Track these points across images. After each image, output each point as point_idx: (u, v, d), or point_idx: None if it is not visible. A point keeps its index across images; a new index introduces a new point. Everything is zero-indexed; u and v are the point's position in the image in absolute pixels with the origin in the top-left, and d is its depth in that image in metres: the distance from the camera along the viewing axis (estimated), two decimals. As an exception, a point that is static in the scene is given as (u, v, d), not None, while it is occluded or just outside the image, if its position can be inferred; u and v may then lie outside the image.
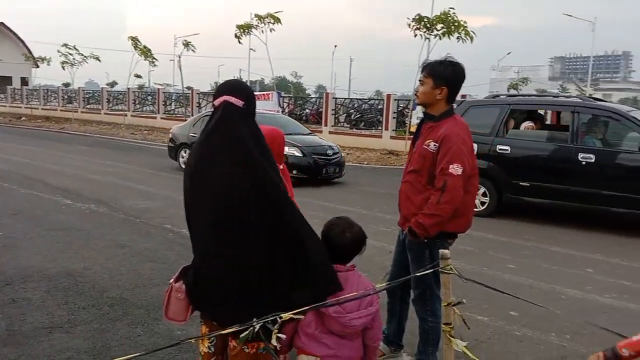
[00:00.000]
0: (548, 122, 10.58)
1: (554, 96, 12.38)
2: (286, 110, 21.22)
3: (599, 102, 8.44)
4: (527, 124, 8.74)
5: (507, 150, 7.92)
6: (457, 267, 5.56)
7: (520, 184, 7.82)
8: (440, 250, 2.32)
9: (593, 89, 77.44)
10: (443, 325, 2.29)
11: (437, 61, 3.05)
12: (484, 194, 8.10)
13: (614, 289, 4.92)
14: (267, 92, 20.38)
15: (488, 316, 4.20)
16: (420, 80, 3.05)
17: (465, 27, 14.16)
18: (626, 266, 5.70)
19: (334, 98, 21.08)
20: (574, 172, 7.41)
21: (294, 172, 10.26)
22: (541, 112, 9.80)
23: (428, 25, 14.55)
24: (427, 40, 14.75)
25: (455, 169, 2.85)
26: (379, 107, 19.94)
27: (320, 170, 10.80)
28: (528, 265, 5.63)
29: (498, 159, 7.95)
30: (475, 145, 8.33)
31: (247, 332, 1.74)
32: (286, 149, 10.42)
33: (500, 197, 8.03)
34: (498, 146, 7.97)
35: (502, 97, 8.97)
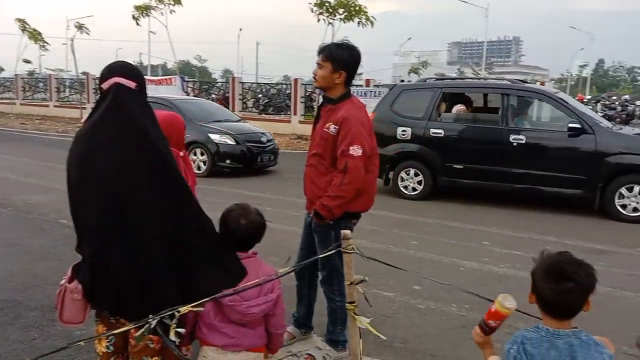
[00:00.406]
0: (477, 105, 10.80)
1: (483, 79, 12.92)
2: (191, 95, 20.58)
3: (527, 84, 8.87)
4: (459, 107, 8.96)
5: (440, 133, 8.06)
6: (364, 246, 5.70)
7: (454, 166, 7.97)
8: (342, 231, 2.34)
9: (488, 72, 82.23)
10: (347, 304, 2.33)
11: (334, 44, 3.07)
12: (418, 179, 8.25)
13: (508, 259, 5.28)
14: (170, 77, 19.67)
15: (394, 292, 4.36)
16: (318, 64, 3.04)
17: (366, 12, 14.45)
18: (517, 237, 6.14)
19: (240, 83, 20.74)
20: (505, 153, 7.65)
21: (228, 161, 9.97)
22: (469, 95, 9.92)
23: (330, 10, 14.68)
24: (330, 25, 14.89)
25: (356, 150, 2.90)
26: (287, 91, 19.91)
27: (255, 158, 10.36)
28: (431, 241, 5.91)
29: (432, 143, 8.10)
30: (409, 129, 8.23)
31: (142, 329, 1.66)
32: (217, 137, 10.28)
33: (435, 180, 8.18)
34: (431, 130, 8.10)
35: (431, 80, 9.24)
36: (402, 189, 8.36)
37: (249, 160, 10.27)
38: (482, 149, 7.90)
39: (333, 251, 2.42)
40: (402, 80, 8.79)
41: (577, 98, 29.92)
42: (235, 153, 10.09)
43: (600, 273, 4.61)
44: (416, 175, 8.28)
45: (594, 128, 7.23)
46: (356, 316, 2.26)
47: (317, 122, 3.16)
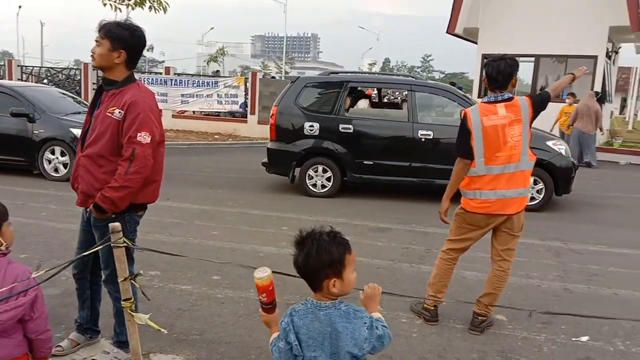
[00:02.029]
0: (375, 100, 10.73)
1: (386, 74, 12.62)
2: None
3: (429, 81, 8.87)
4: (363, 102, 8.77)
5: (349, 129, 7.87)
6: (163, 240, 5.47)
7: (364, 162, 7.87)
8: (110, 225, 2.17)
9: (290, 67, 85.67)
10: (123, 302, 2.17)
11: (114, 22, 2.84)
12: (327, 176, 7.98)
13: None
14: None
15: (191, 284, 4.26)
16: (96, 41, 2.79)
17: (159, -4, 13.79)
18: (313, 220, 6.47)
19: (19, 66, 18.29)
20: (414, 148, 7.73)
21: None
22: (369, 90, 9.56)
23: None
24: (118, 10, 13.89)
25: (144, 137, 2.73)
26: (77, 77, 18.15)
27: None
28: (231, 230, 5.91)
29: (341, 139, 7.88)
30: (317, 125, 7.76)
31: None
32: (77, 132, 8.55)
33: (344, 176, 8.02)
34: (340, 125, 7.87)
35: (336, 74, 8.81)
36: (310, 186, 8.04)
37: None
38: (391, 144, 7.91)
39: (101, 246, 2.23)
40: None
41: (366, 92, 32.90)
42: None
43: (381, 248, 5.10)
44: (324, 172, 8.00)
45: None
46: (134, 313, 2.12)
47: (96, 108, 2.90)
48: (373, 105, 9.83)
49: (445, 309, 3.92)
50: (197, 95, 16.18)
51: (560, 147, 7.83)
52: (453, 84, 22.28)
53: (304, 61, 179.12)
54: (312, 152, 8.01)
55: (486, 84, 3.53)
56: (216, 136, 15.65)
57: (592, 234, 6.38)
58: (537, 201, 7.53)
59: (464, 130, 3.48)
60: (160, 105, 15.81)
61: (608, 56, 15.31)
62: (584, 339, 3.62)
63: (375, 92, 12.34)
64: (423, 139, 7.70)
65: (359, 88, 9.09)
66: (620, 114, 33.46)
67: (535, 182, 7.48)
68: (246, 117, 16.37)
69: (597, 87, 14.11)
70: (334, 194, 7.97)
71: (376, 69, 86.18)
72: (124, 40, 2.77)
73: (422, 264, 4.97)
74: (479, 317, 3.62)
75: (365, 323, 1.70)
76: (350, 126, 7.89)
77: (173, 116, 16.51)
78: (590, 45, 14.07)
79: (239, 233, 5.82)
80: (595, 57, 14.16)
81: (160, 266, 4.58)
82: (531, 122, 3.46)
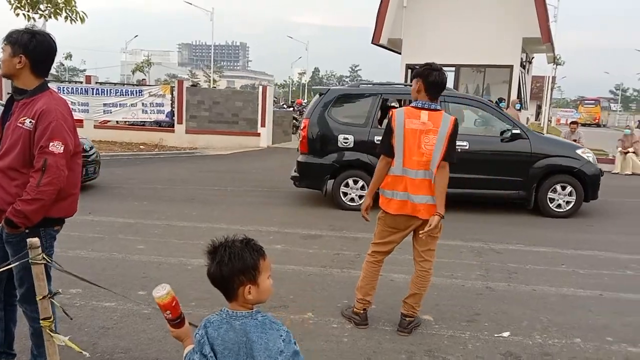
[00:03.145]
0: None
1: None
2: None
3: (461, 93, 8.69)
4: None
5: None
6: (84, 256, 5.22)
7: None
8: (28, 240, 2.06)
9: (218, 76, 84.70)
10: (42, 321, 2.06)
11: (18, 29, 2.73)
12: (360, 186, 7.85)
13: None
14: None
15: (115, 301, 4.08)
16: (1, 49, 2.66)
17: (75, 7, 13.27)
18: (244, 230, 6.39)
19: None
20: None
21: None
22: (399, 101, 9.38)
23: (31, 4, 13.06)
24: (32, 20, 13.23)
25: (57, 147, 2.60)
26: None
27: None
28: (158, 243, 5.73)
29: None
30: (351, 137, 7.59)
31: None
32: None
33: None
34: (376, 137, 7.55)
35: (365, 86, 8.71)
36: (344, 200, 7.89)
37: None
38: None
39: (17, 263, 2.10)
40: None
41: (296, 102, 33.05)
42: None
43: (312, 255, 5.12)
44: (355, 183, 7.89)
45: (526, 133, 7.96)
46: (53, 334, 2.01)
47: (7, 119, 2.75)
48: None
49: (375, 312, 3.99)
50: (120, 104, 15.66)
51: (589, 155, 8.16)
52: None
53: (233, 70, 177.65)
54: (347, 164, 7.91)
55: (425, 91, 3.54)
56: (142, 146, 15.17)
57: (511, 234, 6.72)
58: (568, 207, 7.87)
59: (388, 128, 3.60)
60: (81, 116, 15.29)
61: (522, 66, 16.29)
62: (506, 334, 3.80)
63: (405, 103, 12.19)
64: (459, 150, 7.75)
65: (390, 100, 9.05)
66: (535, 120, 35.64)
67: (563, 188, 7.85)
68: (173, 126, 15.99)
69: (514, 95, 14.95)
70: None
71: (306, 78, 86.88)
72: (22, 45, 2.65)
73: (352, 268, 5.04)
74: (407, 318, 3.71)
75: (282, 335, 1.66)
76: None
77: (95, 127, 15.86)
78: (506, 56, 14.91)
79: (166, 246, 5.66)
80: (511, 67, 15.02)
81: (81, 283, 4.34)
82: (447, 140, 3.51)
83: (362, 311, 3.79)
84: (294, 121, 21.17)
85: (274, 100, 29.99)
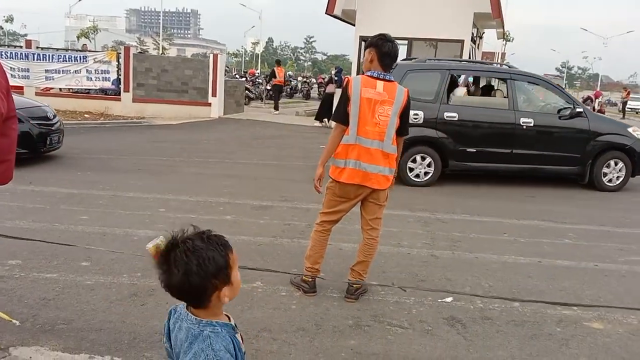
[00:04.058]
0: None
1: (481, 63, 12.05)
2: None
3: (526, 71, 9.03)
4: (460, 90, 8.55)
5: (454, 117, 7.93)
6: (24, 227, 5.03)
7: (467, 150, 7.97)
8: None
9: (168, 44, 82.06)
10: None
11: None
12: (427, 164, 7.98)
13: (182, 224, 5.33)
14: None
15: (57, 272, 3.96)
16: None
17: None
18: (193, 201, 6.31)
19: None
20: (517, 135, 7.99)
21: None
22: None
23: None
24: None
25: (-13, 112, 2.46)
26: None
27: (43, 141, 7.94)
28: (103, 214, 5.57)
29: (446, 126, 7.91)
30: (421, 113, 7.49)
31: None
32: None
33: (446, 164, 8.03)
34: (445, 113, 7.86)
35: (431, 62, 8.68)
36: (411, 177, 7.94)
37: (36, 143, 7.86)
38: (494, 132, 8.09)
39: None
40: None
41: (249, 72, 32.53)
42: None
43: (263, 225, 5.10)
44: (423, 159, 7.97)
45: (585, 111, 8.31)
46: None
47: None
48: (469, 93, 9.73)
49: (324, 281, 4.03)
50: (63, 70, 14.95)
51: (638, 133, 8.55)
52: (339, 69, 22.82)
53: (184, 38, 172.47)
54: (416, 141, 7.84)
55: (378, 61, 3.53)
56: (86, 115, 14.59)
57: (457, 205, 6.91)
58: (618, 182, 8.42)
59: (344, 96, 3.58)
60: (22, 82, 14.55)
61: (473, 41, 16.53)
62: (449, 299, 3.93)
63: (471, 80, 11.99)
64: (525, 126, 8.00)
65: (456, 76, 9.02)
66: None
67: (615, 164, 8.36)
68: (119, 94, 15.44)
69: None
70: (433, 182, 8.03)
71: (260, 48, 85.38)
72: None
73: (302, 238, 5.06)
74: (354, 285, 3.78)
75: (208, 355, 1.35)
76: (455, 114, 7.98)
77: (36, 94, 15.07)
78: (457, 30, 15.07)
79: (111, 217, 5.50)
80: (462, 41, 15.20)
81: (22, 255, 4.21)
82: (400, 114, 3.55)
83: (310, 279, 3.82)
84: (247, 92, 20.87)
85: (226, 70, 29.38)
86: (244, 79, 25.67)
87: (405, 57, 15.91)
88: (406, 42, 15.76)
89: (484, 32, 20.44)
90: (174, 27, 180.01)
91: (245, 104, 19.18)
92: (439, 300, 3.90)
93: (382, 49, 3.52)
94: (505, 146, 8.12)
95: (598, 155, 8.33)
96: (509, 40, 25.85)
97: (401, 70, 7.93)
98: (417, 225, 5.85)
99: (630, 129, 8.69)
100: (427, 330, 3.43)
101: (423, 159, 8.00)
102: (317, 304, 3.70)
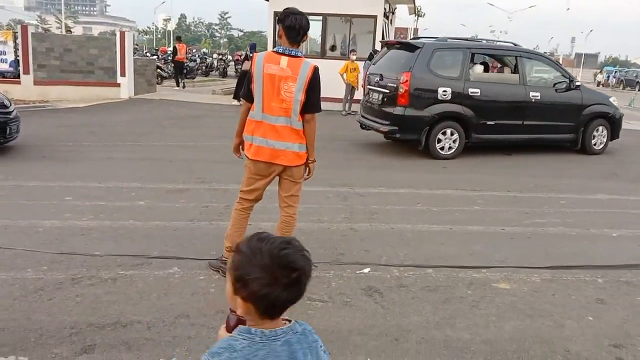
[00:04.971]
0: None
1: (492, 40, 12.37)
2: None
3: (531, 49, 10.00)
4: (479, 67, 9.26)
5: (477, 92, 8.55)
6: None
7: (487, 123, 8.65)
8: None
9: (72, 22, 77.01)
10: None
11: None
12: (454, 138, 8.56)
13: (92, 211, 5.08)
14: None
15: (-49, 271, 3.65)
16: None
17: None
18: (102, 187, 6.00)
19: None
20: (527, 108, 8.91)
21: None
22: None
23: None
24: None
25: None
26: None
27: (3, 131, 7.28)
28: (5, 205, 5.19)
29: (470, 102, 8.53)
30: (449, 89, 8.36)
31: None
32: None
33: (468, 137, 8.63)
34: (470, 89, 8.51)
35: (454, 40, 9.24)
36: (439, 150, 8.55)
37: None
38: (509, 105, 8.89)
39: None
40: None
41: (160, 50, 31.27)
42: None
43: (179, 209, 4.94)
44: (452, 134, 8.54)
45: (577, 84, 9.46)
46: None
47: None
48: (485, 70, 10.11)
49: (243, 261, 4.00)
50: (-49, 52, 13.63)
51: (616, 102, 9.96)
52: (253, 44, 22.42)
53: (90, 15, 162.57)
54: (444, 116, 8.45)
55: (284, 36, 3.47)
56: (-18, 100, 13.43)
57: (374, 178, 7.06)
58: (602, 146, 9.71)
59: (248, 73, 3.53)
60: None
61: (386, 16, 16.76)
62: (366, 270, 4.03)
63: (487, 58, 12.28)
64: (533, 100, 8.93)
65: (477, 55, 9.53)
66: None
67: (601, 130, 9.63)
68: (19, 77, 14.32)
69: (378, 46, 15.42)
70: (457, 155, 8.63)
71: (172, 25, 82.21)
72: None
73: (221, 220, 4.97)
74: (273, 264, 3.76)
75: (322, 346, 1.32)
76: (478, 90, 8.58)
77: None
78: (369, 6, 15.20)
79: (14, 208, 5.14)
80: (375, 17, 15.38)
81: None
82: (306, 90, 3.47)
83: (229, 260, 3.77)
84: (159, 70, 20.07)
85: (136, 48, 28.09)
86: (155, 57, 24.64)
87: (321, 32, 15.99)
88: (320, 18, 15.74)
89: (396, 8, 20.79)
90: (78, 3, 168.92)
91: (157, 84, 18.43)
92: (357, 272, 3.99)
93: (285, 23, 3.47)
94: (518, 118, 9.00)
95: (588, 123, 9.50)
96: (420, 16, 26.48)
97: (429, 49, 8.55)
98: (337, 200, 5.93)
99: (611, 99, 9.98)
100: (346, 302, 3.51)
101: (452, 133, 8.58)
102: (236, 285, 3.66)
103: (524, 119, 9.02)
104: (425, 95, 8.41)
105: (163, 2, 71.78)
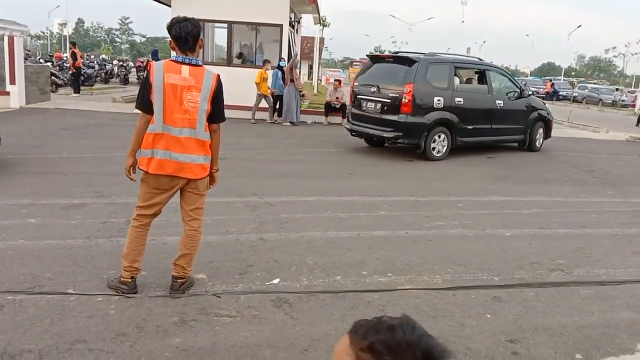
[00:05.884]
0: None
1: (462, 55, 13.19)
2: None
3: (492, 63, 11.84)
4: (456, 79, 10.27)
5: (461, 101, 9.88)
6: None
7: (467, 127, 10.01)
8: None
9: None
10: None
11: None
12: (443, 141, 9.84)
13: None
14: None
15: None
16: None
17: None
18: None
19: None
20: (494, 114, 10.54)
21: None
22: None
23: None
24: None
25: None
26: None
27: None
28: None
29: (456, 109, 9.79)
30: (442, 99, 9.76)
31: None
32: None
33: (454, 141, 9.90)
34: (456, 98, 9.80)
35: (439, 56, 10.29)
36: (433, 153, 9.72)
37: None
38: (482, 112, 10.36)
39: None
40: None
41: (55, 56, 29.38)
42: None
43: (75, 226, 4.63)
44: (443, 139, 9.79)
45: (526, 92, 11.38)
46: None
47: None
48: (460, 82, 11.16)
49: (146, 279, 3.82)
50: None
51: (549, 107, 12.32)
52: (155, 51, 21.66)
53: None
54: (438, 122, 9.63)
55: (174, 45, 3.39)
56: None
57: (283, 187, 7.03)
58: (540, 144, 11.75)
59: (146, 83, 3.36)
60: None
61: (292, 25, 16.88)
62: (276, 281, 3.99)
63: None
64: (499, 107, 10.59)
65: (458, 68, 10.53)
66: (308, 79, 37.77)
67: (541, 131, 11.74)
68: None
69: (285, 54, 15.49)
70: (445, 157, 9.84)
71: (69, 30, 77.67)
72: None
73: (121, 236, 4.70)
74: (178, 280, 3.63)
75: None
76: (462, 99, 9.91)
77: None
78: (275, 15, 15.24)
79: None
80: (280, 26, 15.44)
81: None
82: (211, 99, 3.40)
83: (129, 279, 3.58)
84: (53, 78, 18.86)
85: (27, 54, 26.32)
86: (49, 63, 23.10)
87: (227, 40, 15.80)
88: (226, 25, 15.56)
89: (301, 17, 21.02)
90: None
91: (52, 92, 17.30)
92: (267, 283, 3.94)
93: (171, 33, 3.37)
94: (488, 122, 10.52)
95: (533, 126, 11.50)
96: (325, 25, 26.93)
97: (425, 62, 9.63)
98: (246, 210, 5.84)
99: (547, 105, 12.41)
100: (255, 315, 3.45)
101: (443, 138, 9.79)
102: (138, 305, 3.48)
103: (492, 123, 10.60)
104: (424, 104, 9.51)
105: (58, 6, 67.68)
